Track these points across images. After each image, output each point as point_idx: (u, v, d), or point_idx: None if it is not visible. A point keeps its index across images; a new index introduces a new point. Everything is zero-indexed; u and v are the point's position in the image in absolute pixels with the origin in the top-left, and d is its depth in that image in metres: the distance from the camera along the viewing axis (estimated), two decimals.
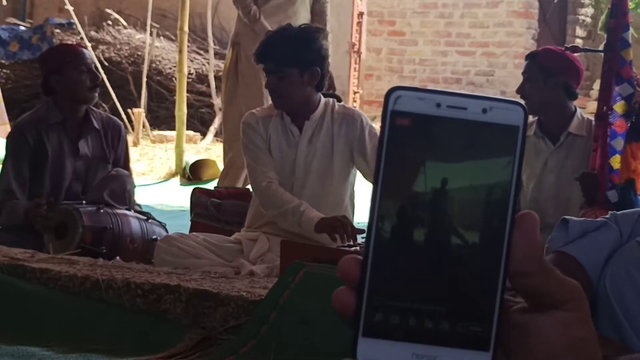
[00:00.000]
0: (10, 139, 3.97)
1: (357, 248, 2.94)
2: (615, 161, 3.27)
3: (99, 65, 8.61)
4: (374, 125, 3.49)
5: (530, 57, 3.78)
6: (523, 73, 3.72)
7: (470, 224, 0.54)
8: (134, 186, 4.04)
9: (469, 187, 0.54)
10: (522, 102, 3.62)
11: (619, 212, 1.59)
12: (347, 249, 2.93)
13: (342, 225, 3.01)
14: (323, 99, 3.36)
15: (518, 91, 3.70)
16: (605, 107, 3.29)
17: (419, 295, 0.53)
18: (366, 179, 3.41)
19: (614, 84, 3.30)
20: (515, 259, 0.54)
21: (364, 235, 3.10)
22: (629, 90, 3.27)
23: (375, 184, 0.54)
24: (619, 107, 3.29)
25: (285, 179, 3.33)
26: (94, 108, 4.04)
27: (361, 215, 5.42)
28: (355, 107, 10.87)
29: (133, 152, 4.21)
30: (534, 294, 0.55)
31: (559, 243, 1.54)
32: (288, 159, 3.34)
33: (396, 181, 0.54)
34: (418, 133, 0.54)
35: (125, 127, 4.70)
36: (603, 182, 3.26)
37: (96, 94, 3.91)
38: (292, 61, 3.20)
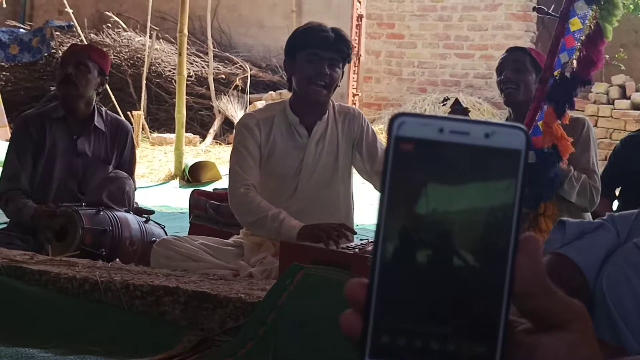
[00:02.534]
0: (14, 130, 4.04)
1: (357, 250, 2.93)
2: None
3: None
4: (372, 128, 3.50)
5: (521, 49, 3.84)
6: (516, 61, 3.70)
7: (474, 246, 0.54)
8: (134, 188, 4.04)
9: (473, 210, 0.55)
10: (512, 88, 3.65)
11: (616, 214, 1.59)
12: (346, 251, 2.92)
13: (327, 231, 2.98)
14: None
15: (511, 77, 3.67)
16: (547, 73, 3.33)
17: (425, 316, 0.54)
18: (361, 176, 3.41)
19: (559, 51, 3.33)
20: (519, 280, 0.54)
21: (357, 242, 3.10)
22: (566, 59, 3.31)
23: (380, 207, 0.55)
24: (558, 73, 3.33)
25: (289, 180, 3.30)
26: (102, 109, 4.05)
27: (361, 217, 5.43)
28: None
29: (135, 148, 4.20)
30: (538, 314, 0.56)
31: (556, 245, 1.55)
32: (294, 161, 3.30)
33: (401, 205, 0.55)
34: (422, 158, 0.55)
35: None
36: None
37: (69, 88, 3.85)
38: (346, 58, 3.26)
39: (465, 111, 3.56)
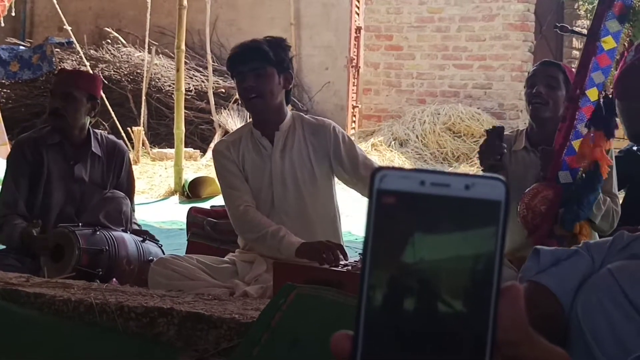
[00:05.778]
0: (10, 154, 4.03)
1: (350, 268, 2.94)
2: (578, 144, 3.31)
3: None
4: (347, 135, 3.51)
5: (555, 65, 3.82)
6: (549, 77, 3.70)
7: (457, 296, 0.55)
8: (130, 207, 4.04)
9: (454, 260, 0.55)
10: (541, 103, 3.63)
11: (591, 242, 1.60)
12: (339, 270, 2.93)
13: (324, 250, 2.99)
14: (289, 111, 3.41)
15: (542, 92, 3.67)
16: (578, 91, 3.32)
17: None
18: (347, 185, 3.43)
19: (590, 69, 3.32)
20: (502, 329, 0.55)
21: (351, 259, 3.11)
22: (601, 79, 3.30)
23: (363, 258, 0.56)
24: (591, 93, 3.32)
25: (264, 193, 3.34)
26: (98, 132, 4.06)
27: (358, 228, 5.43)
28: (354, 121, 10.92)
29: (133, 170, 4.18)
30: None
31: (531, 272, 1.55)
32: (264, 173, 3.34)
33: (384, 256, 0.56)
34: (404, 209, 0.56)
35: (126, 145, 4.68)
36: (557, 161, 3.29)
37: (58, 121, 3.85)
38: (272, 61, 3.26)
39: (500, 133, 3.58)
